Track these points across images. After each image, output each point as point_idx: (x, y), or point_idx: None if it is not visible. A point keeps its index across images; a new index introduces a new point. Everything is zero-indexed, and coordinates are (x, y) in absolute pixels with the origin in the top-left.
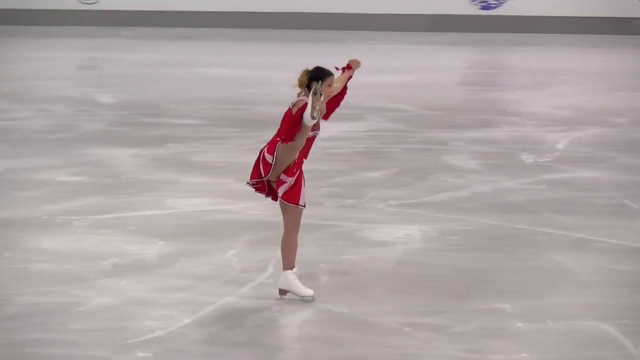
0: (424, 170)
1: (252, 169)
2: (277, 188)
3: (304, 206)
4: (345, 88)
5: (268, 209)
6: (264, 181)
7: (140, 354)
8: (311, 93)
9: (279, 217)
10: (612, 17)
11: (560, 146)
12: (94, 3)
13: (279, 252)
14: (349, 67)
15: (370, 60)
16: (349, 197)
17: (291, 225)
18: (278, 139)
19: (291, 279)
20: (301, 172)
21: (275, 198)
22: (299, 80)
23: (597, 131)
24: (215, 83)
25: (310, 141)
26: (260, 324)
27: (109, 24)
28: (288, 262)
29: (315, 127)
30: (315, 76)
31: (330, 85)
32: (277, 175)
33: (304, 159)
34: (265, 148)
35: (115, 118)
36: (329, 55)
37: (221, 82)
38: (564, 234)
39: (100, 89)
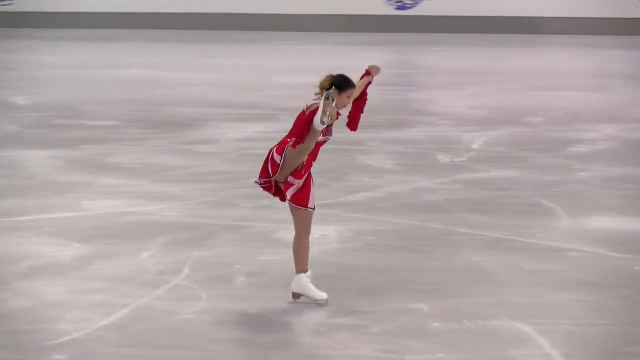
0: (340, 171)
1: (260, 168)
2: (285, 190)
3: (314, 208)
4: (365, 94)
5: (183, 211)
6: (271, 181)
7: (56, 357)
8: (323, 98)
9: (195, 219)
10: (522, 17)
11: (475, 146)
12: (9, 4)
13: (194, 253)
14: (367, 73)
15: (286, 61)
16: (265, 197)
17: (302, 228)
18: (288, 140)
19: (305, 282)
20: (310, 175)
21: (282, 199)
22: (320, 83)
23: (512, 131)
24: (130, 84)
25: (320, 145)
26: (176, 326)
27: (24, 26)
28: (300, 266)
29: (327, 132)
30: (338, 83)
31: (349, 97)
32: (285, 177)
33: (312, 162)
34: (275, 148)
35: (30, 120)
36: (247, 56)
37: (136, 83)
38: (480, 233)
39: (15, 90)
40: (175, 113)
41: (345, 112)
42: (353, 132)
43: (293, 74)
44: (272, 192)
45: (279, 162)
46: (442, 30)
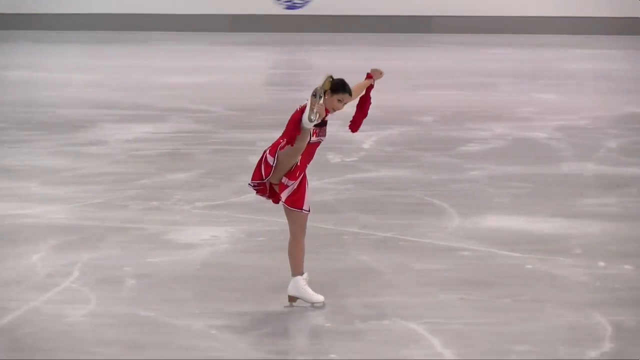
0: (230, 171)
1: (253, 170)
2: (280, 192)
3: (309, 211)
4: (369, 98)
5: (72, 213)
6: (265, 183)
7: None
8: (311, 95)
9: (84, 221)
10: (412, 16)
11: (366, 145)
12: None
13: (84, 256)
14: (369, 77)
15: (174, 61)
16: (154, 199)
17: (297, 231)
18: (281, 141)
19: (302, 285)
20: (305, 176)
21: (276, 201)
22: (322, 83)
23: (402, 130)
24: (15, 86)
25: (314, 146)
26: (65, 329)
27: None
28: (297, 268)
29: (321, 133)
30: (333, 85)
31: (340, 101)
32: (278, 178)
33: (308, 163)
34: (268, 150)
35: None
36: (134, 57)
37: (21, 84)
38: (370, 233)
39: None
40: (62, 114)
41: (345, 115)
42: (353, 133)
43: (181, 75)
44: (267, 194)
45: (272, 163)
46: (331, 29)
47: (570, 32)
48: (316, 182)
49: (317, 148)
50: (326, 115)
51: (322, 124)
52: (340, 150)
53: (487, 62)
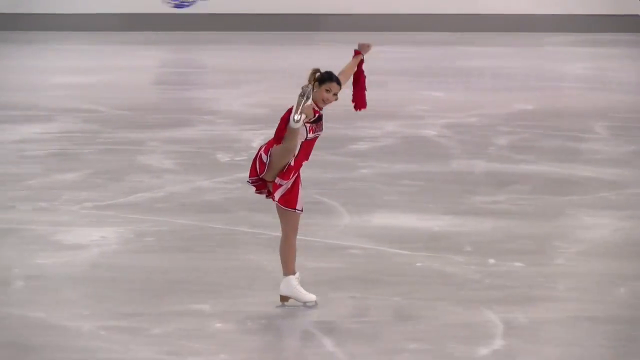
0: (119, 171)
1: (250, 167)
2: (274, 192)
3: (302, 210)
4: (362, 72)
5: None
6: (263, 180)
7: None
8: (298, 95)
9: None
10: (304, 14)
11: (255, 144)
12: None
13: None
14: (357, 53)
15: (62, 61)
16: (42, 199)
17: (290, 230)
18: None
19: (294, 284)
20: (299, 176)
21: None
22: (308, 76)
23: None
24: None
25: (311, 143)
26: None
27: None
28: (289, 268)
29: (318, 128)
30: (320, 77)
31: (328, 91)
32: (273, 177)
33: (304, 162)
34: (263, 147)
35: None
36: (22, 56)
37: None
38: (261, 232)
39: None
40: None
41: (339, 104)
42: (360, 110)
43: (70, 75)
44: (266, 191)
45: (265, 161)
46: (221, 28)
47: (461, 30)
48: (205, 182)
49: (314, 144)
50: (320, 109)
51: (317, 119)
52: (230, 150)
53: (377, 60)
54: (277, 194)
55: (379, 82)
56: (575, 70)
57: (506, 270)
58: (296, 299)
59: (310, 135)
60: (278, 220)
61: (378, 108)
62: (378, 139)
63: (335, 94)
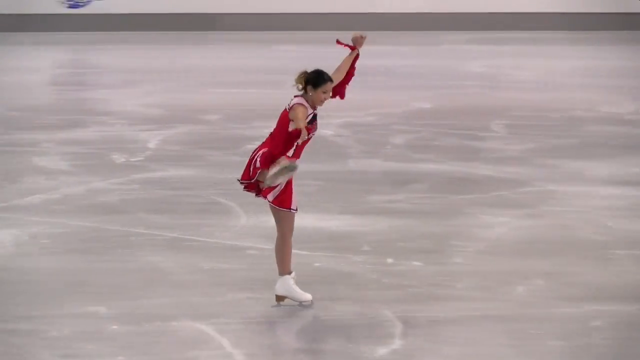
0: (14, 173)
1: (244, 169)
2: (266, 193)
3: (296, 210)
4: (353, 69)
5: None
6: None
7: None
8: (285, 167)
9: None
10: (201, 14)
11: (152, 145)
12: None
13: None
14: (352, 48)
15: None
16: None
17: (286, 230)
18: (268, 145)
19: (290, 284)
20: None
21: (265, 196)
22: (295, 81)
23: (189, 129)
24: None
25: (306, 142)
26: None
27: None
28: (285, 268)
29: (314, 128)
30: (313, 81)
31: (325, 92)
32: (264, 178)
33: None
34: (259, 153)
35: None
36: None
37: None
38: (158, 233)
39: None
40: None
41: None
42: (341, 99)
43: None
44: (255, 192)
45: (259, 168)
46: (117, 28)
47: (359, 29)
48: (101, 183)
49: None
50: (315, 109)
51: (313, 119)
52: (126, 150)
53: (274, 59)
54: (271, 196)
55: (276, 81)
56: (473, 68)
57: (405, 270)
58: (292, 299)
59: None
60: (174, 222)
61: (275, 108)
62: None
63: (329, 92)
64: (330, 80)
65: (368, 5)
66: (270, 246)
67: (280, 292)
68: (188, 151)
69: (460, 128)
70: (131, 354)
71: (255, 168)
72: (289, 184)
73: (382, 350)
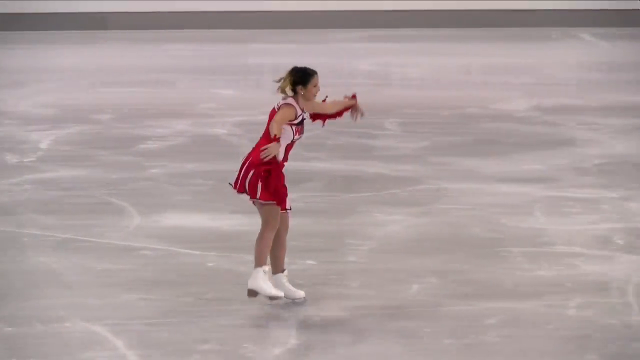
0: None
1: (239, 178)
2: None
3: (290, 209)
4: (341, 114)
5: None
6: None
7: None
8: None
9: None
10: (89, 13)
11: (44, 145)
12: None
13: None
14: (353, 97)
15: None
16: None
17: (267, 224)
18: (262, 147)
19: (259, 276)
20: (273, 170)
21: (253, 197)
22: (281, 89)
23: (80, 129)
24: None
25: (293, 144)
26: None
27: None
28: (260, 261)
29: (299, 131)
30: (301, 80)
31: (315, 86)
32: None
33: (284, 163)
34: (250, 160)
35: None
36: None
37: None
38: (49, 234)
39: None
40: None
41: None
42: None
43: None
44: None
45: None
46: (2, 28)
47: (249, 27)
48: None
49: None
50: (304, 111)
51: (301, 121)
52: (17, 151)
53: (165, 58)
54: (257, 193)
55: (168, 80)
56: (362, 66)
57: (298, 269)
58: (260, 292)
59: (296, 137)
60: (67, 222)
61: (167, 107)
62: (167, 138)
63: (318, 84)
64: (315, 72)
65: (256, 3)
66: (165, 246)
67: (250, 285)
68: (80, 151)
69: (352, 126)
70: (25, 355)
71: (252, 189)
72: (270, 179)
73: (277, 350)
